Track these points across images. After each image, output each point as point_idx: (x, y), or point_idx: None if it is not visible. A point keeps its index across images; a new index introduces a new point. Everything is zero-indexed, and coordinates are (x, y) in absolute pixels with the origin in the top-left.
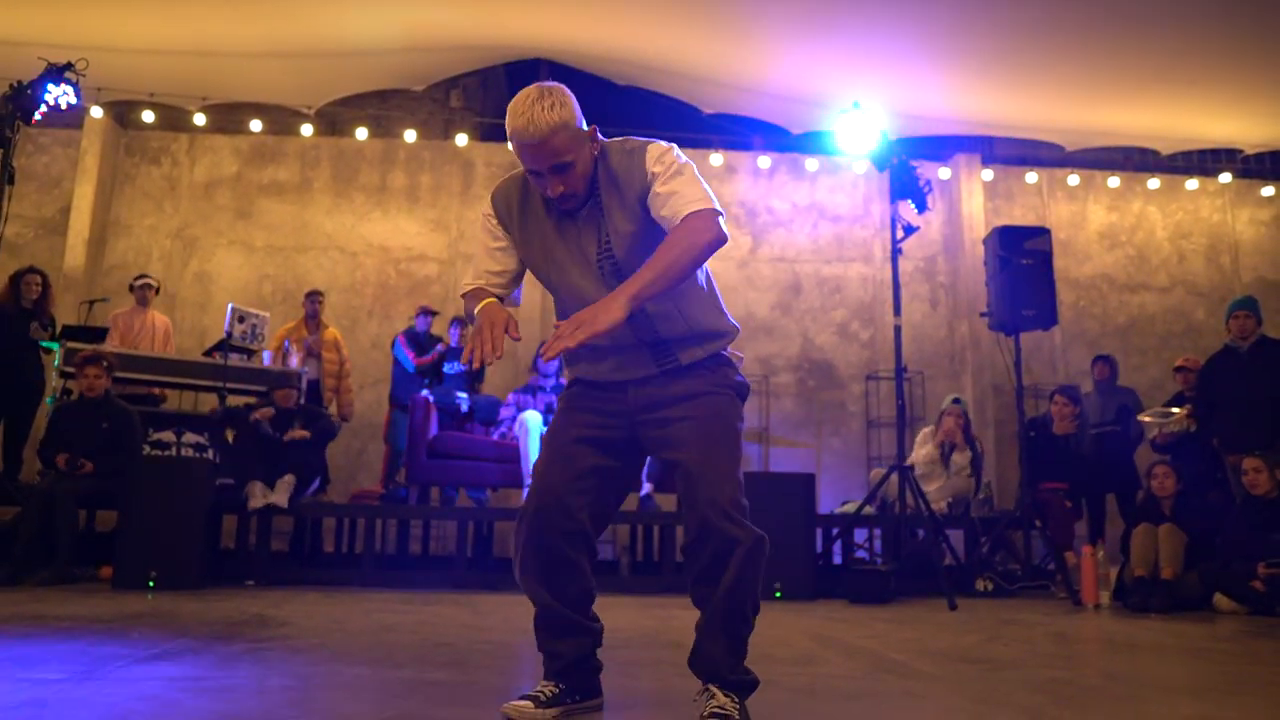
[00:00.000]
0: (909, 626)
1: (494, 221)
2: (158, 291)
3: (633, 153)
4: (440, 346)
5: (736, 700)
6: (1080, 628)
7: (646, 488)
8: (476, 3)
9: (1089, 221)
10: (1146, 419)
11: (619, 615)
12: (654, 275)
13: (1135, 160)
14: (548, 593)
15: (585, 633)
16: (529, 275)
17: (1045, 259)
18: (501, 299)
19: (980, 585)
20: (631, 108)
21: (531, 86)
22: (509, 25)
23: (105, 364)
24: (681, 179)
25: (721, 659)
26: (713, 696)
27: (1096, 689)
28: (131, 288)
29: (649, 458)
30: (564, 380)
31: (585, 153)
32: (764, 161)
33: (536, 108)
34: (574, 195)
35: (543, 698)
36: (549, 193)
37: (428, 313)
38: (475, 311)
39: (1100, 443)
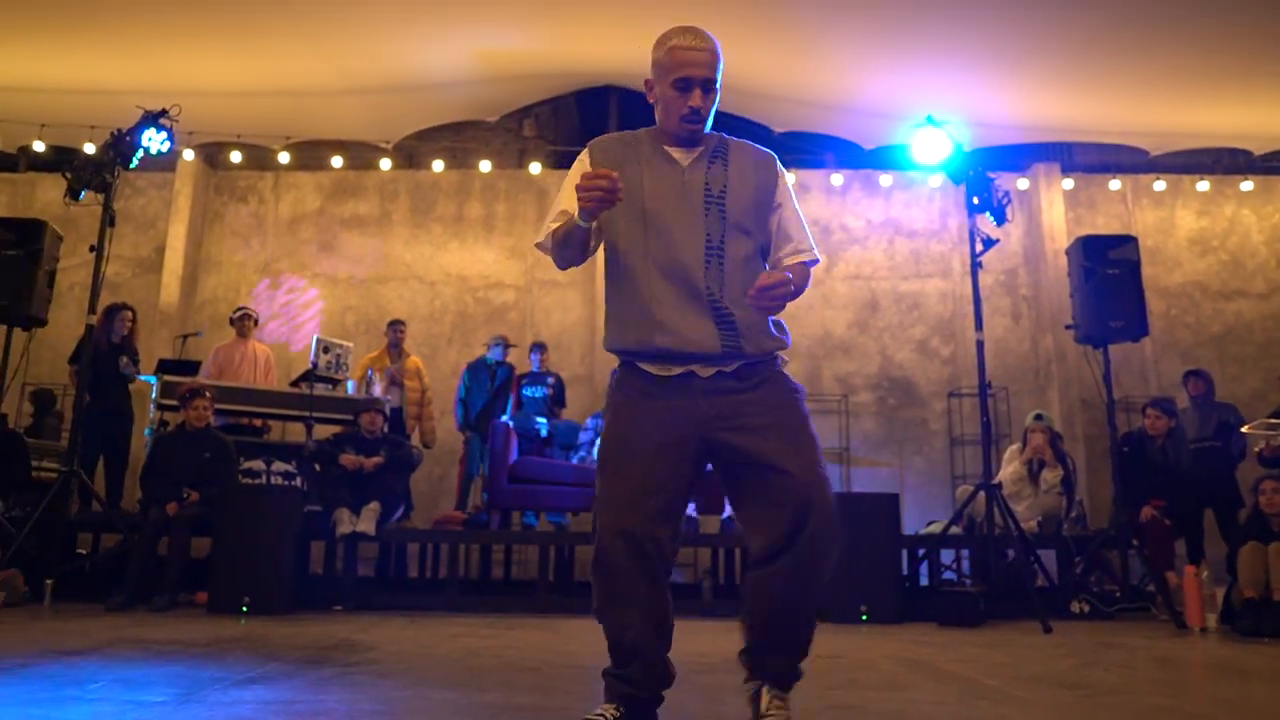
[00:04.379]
0: (1001, 650)
1: (587, 165)
2: (257, 322)
3: (763, 152)
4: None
5: (785, 697)
6: (1186, 652)
7: (728, 510)
8: (547, 32)
9: (1177, 228)
10: (1251, 431)
11: (702, 640)
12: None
13: (1226, 162)
14: (631, 630)
15: (662, 679)
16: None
17: (1132, 268)
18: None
19: (1075, 607)
20: None
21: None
22: (579, 53)
23: (209, 395)
24: (797, 212)
25: (791, 666)
26: (771, 695)
27: (1206, 717)
28: (231, 320)
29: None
30: None
31: (717, 96)
32: (837, 179)
33: (708, 34)
34: (703, 120)
35: None
36: (689, 103)
37: (502, 343)
38: (564, 226)
39: (1199, 458)
